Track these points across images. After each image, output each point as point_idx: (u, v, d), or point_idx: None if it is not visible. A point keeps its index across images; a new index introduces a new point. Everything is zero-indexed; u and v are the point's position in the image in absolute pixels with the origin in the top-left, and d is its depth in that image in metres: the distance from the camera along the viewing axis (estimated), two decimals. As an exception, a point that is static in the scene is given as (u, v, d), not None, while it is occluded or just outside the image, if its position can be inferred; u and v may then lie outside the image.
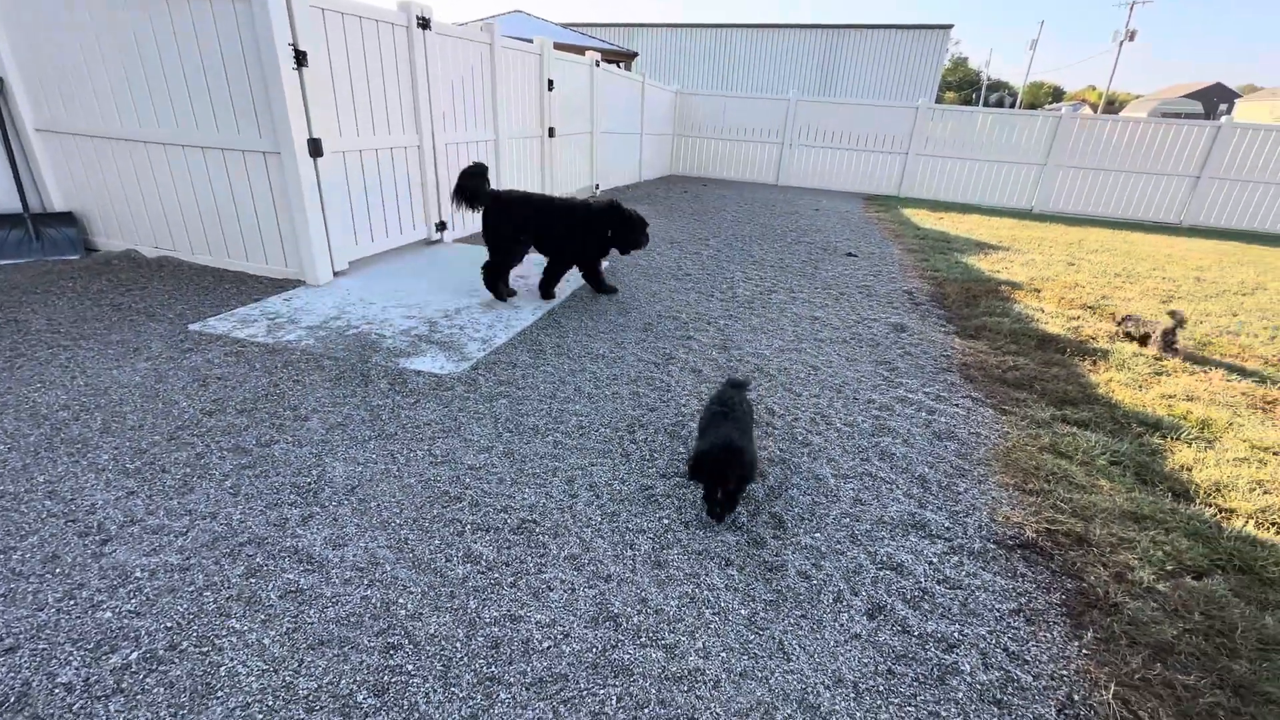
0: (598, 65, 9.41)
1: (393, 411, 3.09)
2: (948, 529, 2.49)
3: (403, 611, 1.93)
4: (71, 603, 1.89)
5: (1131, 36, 42.43)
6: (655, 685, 1.74)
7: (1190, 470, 3.06)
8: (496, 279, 4.79)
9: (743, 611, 2.02)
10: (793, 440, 3.08)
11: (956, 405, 3.57)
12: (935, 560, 2.31)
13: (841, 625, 1.99)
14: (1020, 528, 2.51)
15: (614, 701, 1.69)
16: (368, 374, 3.46)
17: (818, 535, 2.40)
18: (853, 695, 1.75)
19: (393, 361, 3.63)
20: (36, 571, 2.00)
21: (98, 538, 2.15)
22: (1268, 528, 2.64)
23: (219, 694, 1.64)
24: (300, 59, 4.25)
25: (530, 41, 7.59)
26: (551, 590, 2.05)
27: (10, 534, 2.14)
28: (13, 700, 1.59)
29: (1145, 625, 2.05)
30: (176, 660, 1.72)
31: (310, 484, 2.50)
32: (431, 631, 1.86)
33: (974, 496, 2.71)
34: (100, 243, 5.34)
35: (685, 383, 3.63)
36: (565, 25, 20.18)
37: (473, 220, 6.94)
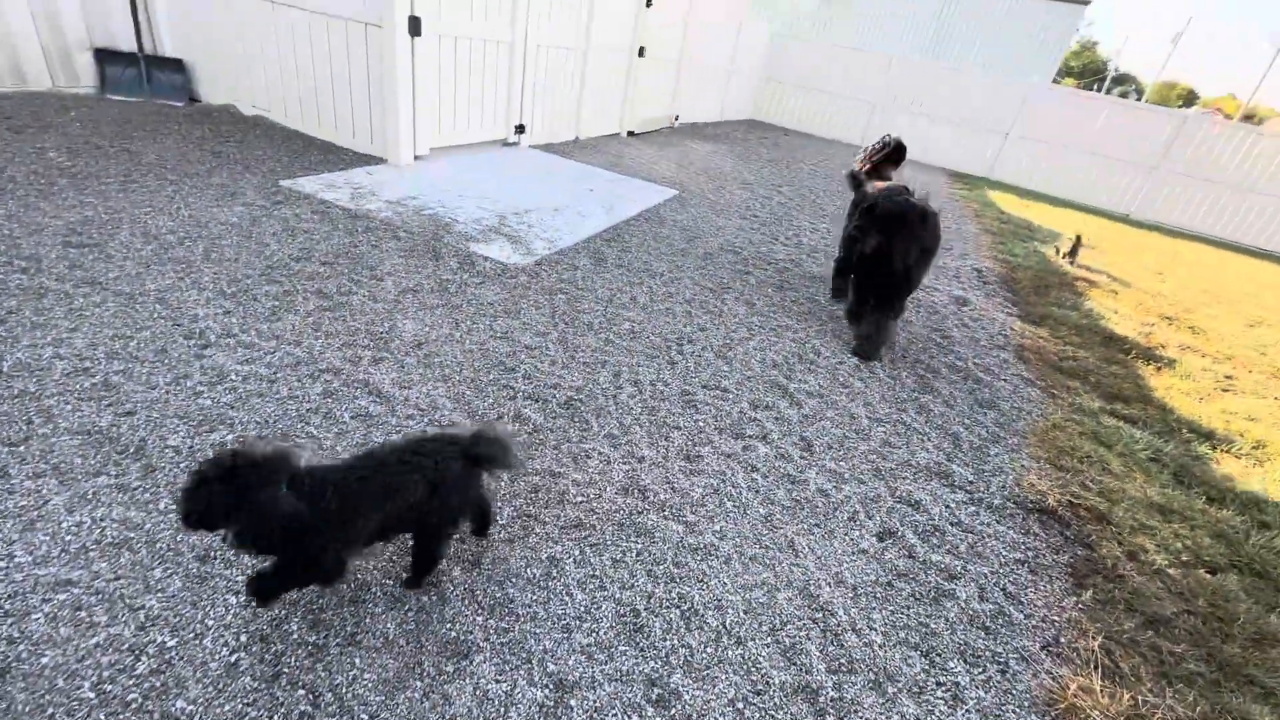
0: (700, -12, 9.02)
1: (460, 287, 3.27)
2: (971, 483, 2.56)
3: (456, 450, 2.14)
4: (178, 388, 2.16)
5: (1293, 43, 37.80)
6: (673, 550, 1.91)
7: (1232, 482, 3.01)
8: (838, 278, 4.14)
9: (761, 510, 2.16)
10: (834, 380, 3.15)
11: (1004, 380, 3.55)
12: (953, 505, 2.39)
13: (852, 540, 2.11)
14: (1043, 495, 2.56)
15: (634, 554, 1.87)
16: (439, 251, 3.64)
17: (843, 464, 2.50)
18: (850, 595, 1.89)
19: (463, 244, 3.79)
20: (149, 359, 2.27)
21: (199, 342, 2.42)
22: (1298, 545, 2.62)
23: (298, 479, 1.88)
24: (413, -69, 4.25)
25: (636, -49, 7.32)
26: (589, 459, 2.23)
27: (129, 326, 2.42)
28: (132, 450, 1.87)
29: (1146, 598, 2.12)
30: (264, 448, 1.97)
31: (383, 333, 2.72)
32: (480, 470, 2.07)
33: (1003, 461, 2.76)
34: (202, 93, 5.59)
35: (738, 312, 3.70)
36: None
37: (549, 128, 6.95)
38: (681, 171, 7.04)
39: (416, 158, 5.14)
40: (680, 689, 1.52)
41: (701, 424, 2.56)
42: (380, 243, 3.59)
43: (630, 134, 8.60)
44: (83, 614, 1.42)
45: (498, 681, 1.45)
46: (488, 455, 1.53)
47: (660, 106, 9.42)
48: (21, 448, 1.80)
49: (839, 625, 1.78)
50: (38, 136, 4.09)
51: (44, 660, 1.32)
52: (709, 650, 1.62)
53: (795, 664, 1.64)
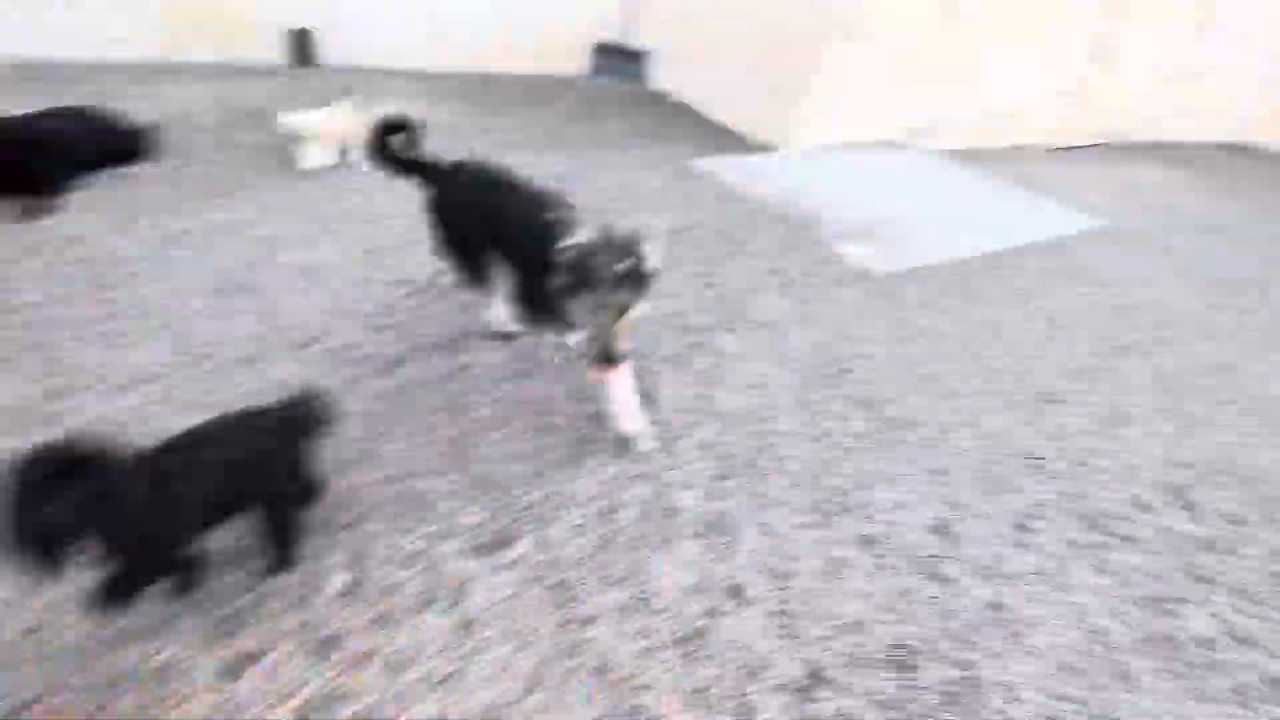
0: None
1: (815, 280, 3.40)
2: None
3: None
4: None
5: None
6: (967, 612, 1.75)
7: None
8: None
9: (1097, 624, 1.79)
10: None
11: None
12: None
13: None
14: None
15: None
16: (804, 241, 3.81)
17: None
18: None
19: (830, 240, 3.88)
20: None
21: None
22: None
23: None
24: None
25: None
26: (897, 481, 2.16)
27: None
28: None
29: None
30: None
31: (738, 307, 3.05)
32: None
33: None
34: (653, 78, 6.78)
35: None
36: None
37: (951, 130, 6.38)
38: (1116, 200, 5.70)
39: (808, 151, 5.37)
40: None
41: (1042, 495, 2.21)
42: (756, 224, 3.94)
43: (1057, 149, 7.27)
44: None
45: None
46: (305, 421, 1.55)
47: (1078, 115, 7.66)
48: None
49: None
50: (544, 108, 5.63)
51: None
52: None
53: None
